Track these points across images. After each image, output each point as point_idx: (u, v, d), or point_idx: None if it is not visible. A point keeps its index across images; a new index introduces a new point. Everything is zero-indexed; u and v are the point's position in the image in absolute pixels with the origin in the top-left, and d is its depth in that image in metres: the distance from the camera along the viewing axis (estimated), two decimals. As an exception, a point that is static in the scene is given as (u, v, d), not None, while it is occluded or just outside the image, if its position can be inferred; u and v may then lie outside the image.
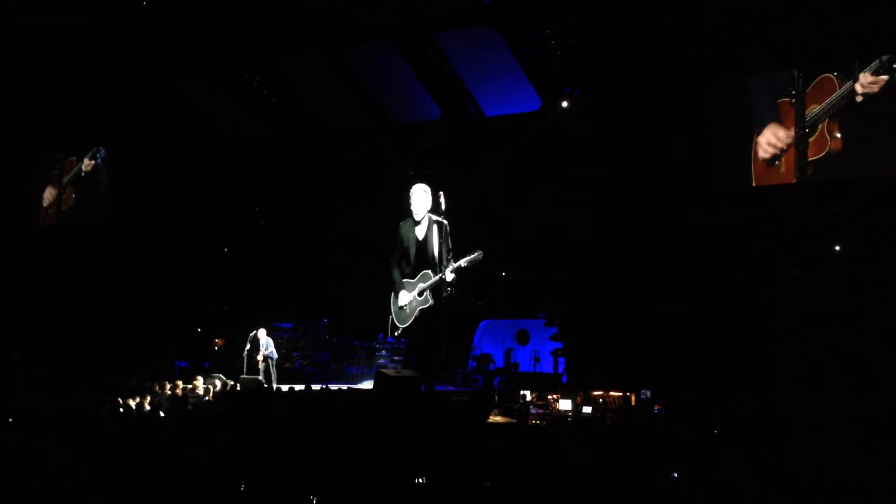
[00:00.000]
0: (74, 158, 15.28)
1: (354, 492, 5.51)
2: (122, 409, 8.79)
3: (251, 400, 9.41)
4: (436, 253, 9.42)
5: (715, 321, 10.49)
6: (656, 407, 8.76)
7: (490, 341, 12.81)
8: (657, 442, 6.39)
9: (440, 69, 12.32)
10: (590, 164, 11.67)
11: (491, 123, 12.79)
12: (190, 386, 10.36)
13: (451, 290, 9.39)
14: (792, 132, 10.43)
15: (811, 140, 10.31)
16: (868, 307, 9.66)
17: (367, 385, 10.46)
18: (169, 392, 9.89)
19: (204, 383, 10.58)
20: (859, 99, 9.99)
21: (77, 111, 14.55)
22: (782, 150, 10.50)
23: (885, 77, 9.86)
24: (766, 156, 10.57)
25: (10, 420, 7.95)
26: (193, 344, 14.27)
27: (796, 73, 10.48)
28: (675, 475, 5.46)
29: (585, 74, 11.57)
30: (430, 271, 9.41)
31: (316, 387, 9.45)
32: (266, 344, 11.45)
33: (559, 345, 11.70)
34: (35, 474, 6.24)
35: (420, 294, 9.45)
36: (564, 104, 11.79)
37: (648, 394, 9.06)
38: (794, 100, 10.44)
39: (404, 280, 9.60)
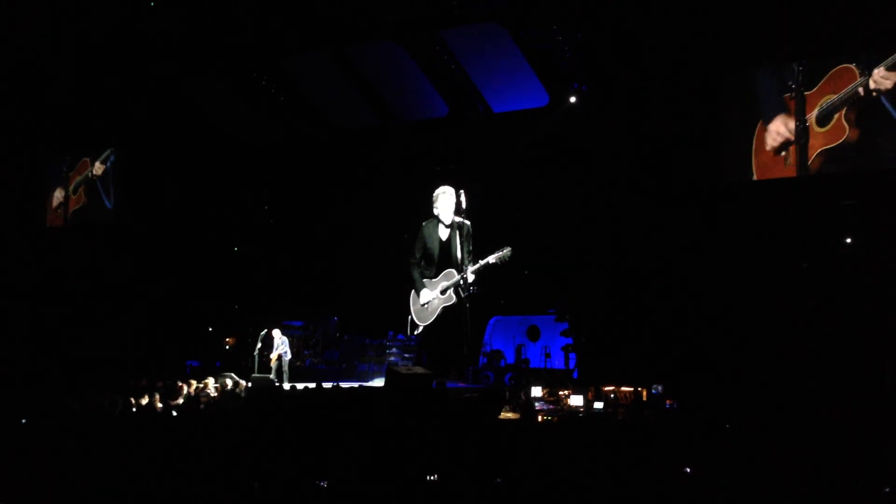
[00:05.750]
0: (88, 160, 15.32)
1: (366, 489, 5.52)
2: (134, 409, 8.83)
3: (263, 398, 9.43)
4: (458, 254, 9.41)
5: (727, 315, 10.45)
6: (668, 402, 8.74)
7: (500, 337, 12.81)
8: (669, 437, 6.38)
9: (447, 66, 12.31)
10: (596, 159, 11.65)
11: (499, 119, 12.78)
12: (201, 385, 10.39)
13: (474, 289, 9.39)
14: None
15: (826, 129, 10.24)
16: (881, 300, 9.61)
17: (379, 382, 10.48)
18: (180, 391, 9.92)
19: (215, 382, 10.61)
20: (874, 94, 9.91)
21: (84, 113, 14.58)
22: (791, 140, 10.45)
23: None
24: (776, 144, 10.51)
25: (24, 420, 7.99)
26: (205, 343, 14.32)
27: (796, 68, 10.42)
28: (688, 470, 5.45)
29: (593, 70, 11.54)
30: (453, 270, 9.40)
31: (327, 385, 9.47)
32: (281, 343, 11.47)
33: (570, 340, 11.69)
34: (48, 474, 6.27)
35: (443, 292, 9.44)
36: (573, 100, 11.77)
37: (660, 388, 9.04)
38: (794, 94, 10.39)
39: (425, 279, 9.59)
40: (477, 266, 9.29)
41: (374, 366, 12.48)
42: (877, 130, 9.98)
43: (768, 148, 10.59)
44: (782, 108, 10.53)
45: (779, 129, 10.51)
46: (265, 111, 13.81)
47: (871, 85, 9.91)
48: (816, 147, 10.33)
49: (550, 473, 5.41)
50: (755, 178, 10.66)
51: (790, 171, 10.50)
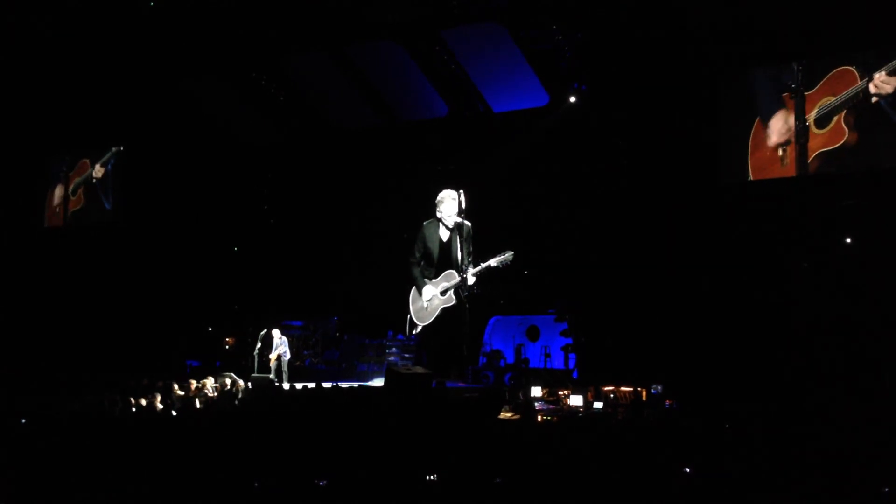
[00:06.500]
0: (88, 161, 15.31)
1: (366, 490, 5.52)
2: (134, 409, 8.83)
3: (263, 398, 9.43)
4: (458, 255, 9.38)
5: (726, 315, 10.45)
6: (667, 402, 8.74)
7: (500, 337, 12.81)
8: (668, 437, 6.38)
9: (447, 66, 12.32)
10: (597, 159, 11.65)
11: (499, 119, 12.79)
12: (199, 385, 10.38)
13: (475, 290, 9.36)
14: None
15: (824, 131, 10.23)
16: (881, 300, 9.61)
17: (378, 382, 10.47)
18: (180, 391, 9.92)
19: (215, 382, 10.60)
20: (873, 100, 9.87)
21: (84, 112, 14.58)
22: (791, 138, 10.44)
23: (896, 78, 9.77)
24: (778, 140, 10.49)
25: (24, 421, 7.99)
26: (204, 343, 14.31)
27: (796, 67, 10.41)
28: (687, 470, 5.45)
29: (593, 69, 11.55)
30: (453, 271, 9.39)
31: (327, 385, 9.47)
32: (281, 343, 11.47)
33: (569, 340, 11.69)
34: (48, 474, 6.28)
35: (443, 293, 9.42)
36: (572, 99, 11.77)
37: (659, 388, 9.03)
38: (793, 94, 10.37)
39: (425, 279, 9.58)
40: (478, 269, 9.27)
41: (373, 366, 12.47)
42: (876, 134, 9.94)
43: (770, 143, 10.57)
44: (782, 106, 10.52)
45: (780, 125, 10.50)
46: (265, 111, 13.81)
47: (872, 90, 9.88)
48: (815, 148, 10.31)
49: (550, 473, 5.41)
50: (751, 178, 10.66)
51: (786, 171, 10.48)
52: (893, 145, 9.86)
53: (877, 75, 9.84)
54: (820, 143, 10.27)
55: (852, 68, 10.06)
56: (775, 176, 10.52)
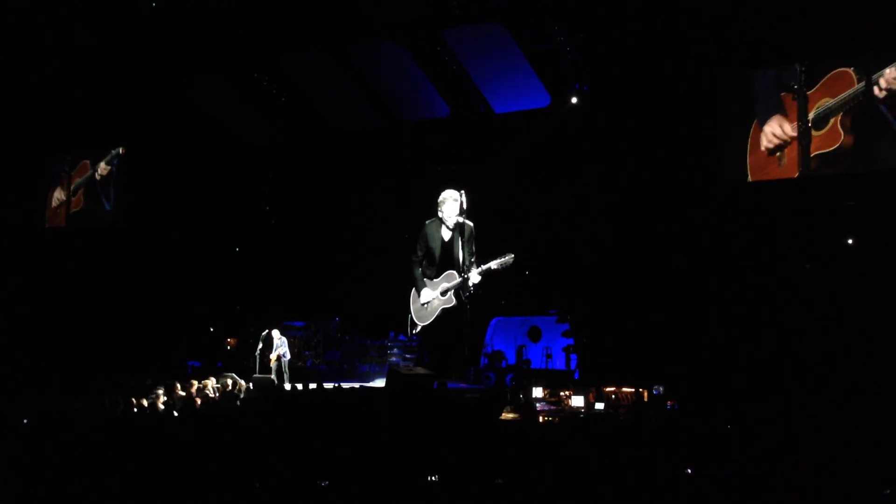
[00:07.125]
0: (89, 162, 15.31)
1: (367, 490, 5.52)
2: (135, 409, 8.83)
3: (264, 399, 9.44)
4: (460, 255, 9.37)
5: (728, 316, 10.45)
6: (669, 403, 8.74)
7: (502, 338, 12.81)
8: (670, 438, 6.38)
9: (448, 66, 12.32)
10: (598, 159, 11.66)
11: (500, 120, 12.79)
12: (202, 385, 10.39)
13: (475, 291, 9.35)
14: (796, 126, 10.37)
15: (821, 133, 10.21)
16: (883, 301, 9.61)
17: (380, 383, 10.48)
18: (182, 392, 9.92)
19: (216, 383, 10.61)
20: (882, 94, 9.81)
21: (85, 113, 14.58)
22: (786, 142, 10.43)
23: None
24: (770, 146, 10.49)
25: (25, 421, 8.00)
26: (206, 344, 14.32)
27: (798, 68, 10.39)
28: (689, 471, 5.45)
29: (594, 70, 11.55)
30: (454, 272, 9.38)
31: (328, 385, 9.47)
32: (280, 343, 11.48)
33: (571, 341, 11.70)
34: (48, 474, 6.28)
35: (443, 294, 9.42)
36: (574, 100, 11.77)
37: (661, 389, 9.04)
38: (795, 95, 10.36)
39: (426, 279, 9.57)
40: (478, 271, 9.26)
41: (375, 366, 12.48)
42: (873, 137, 9.92)
43: (762, 149, 10.57)
44: (778, 109, 10.50)
45: (774, 130, 10.49)
46: (265, 111, 13.82)
47: (883, 84, 9.80)
48: (812, 150, 10.30)
49: (551, 474, 5.41)
50: (750, 179, 10.66)
51: (784, 172, 10.47)
52: (891, 148, 9.84)
53: (888, 70, 9.75)
54: (817, 144, 10.26)
55: (850, 70, 10.04)
56: (773, 177, 10.52)
